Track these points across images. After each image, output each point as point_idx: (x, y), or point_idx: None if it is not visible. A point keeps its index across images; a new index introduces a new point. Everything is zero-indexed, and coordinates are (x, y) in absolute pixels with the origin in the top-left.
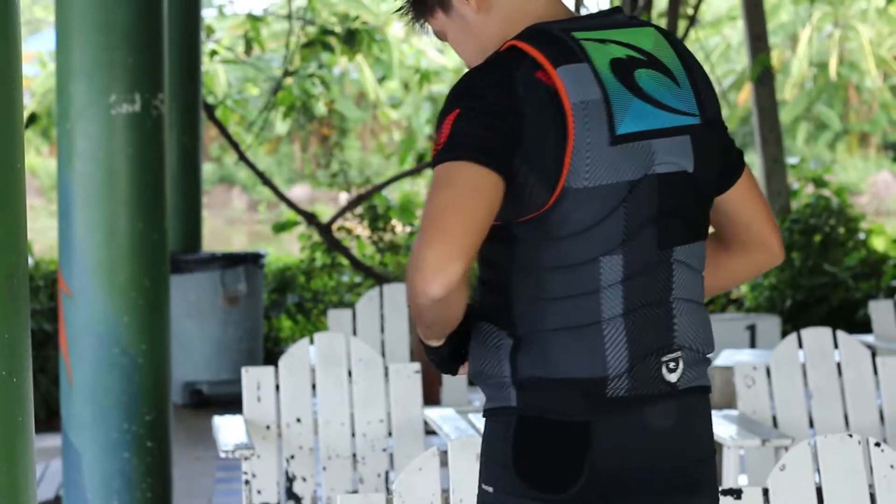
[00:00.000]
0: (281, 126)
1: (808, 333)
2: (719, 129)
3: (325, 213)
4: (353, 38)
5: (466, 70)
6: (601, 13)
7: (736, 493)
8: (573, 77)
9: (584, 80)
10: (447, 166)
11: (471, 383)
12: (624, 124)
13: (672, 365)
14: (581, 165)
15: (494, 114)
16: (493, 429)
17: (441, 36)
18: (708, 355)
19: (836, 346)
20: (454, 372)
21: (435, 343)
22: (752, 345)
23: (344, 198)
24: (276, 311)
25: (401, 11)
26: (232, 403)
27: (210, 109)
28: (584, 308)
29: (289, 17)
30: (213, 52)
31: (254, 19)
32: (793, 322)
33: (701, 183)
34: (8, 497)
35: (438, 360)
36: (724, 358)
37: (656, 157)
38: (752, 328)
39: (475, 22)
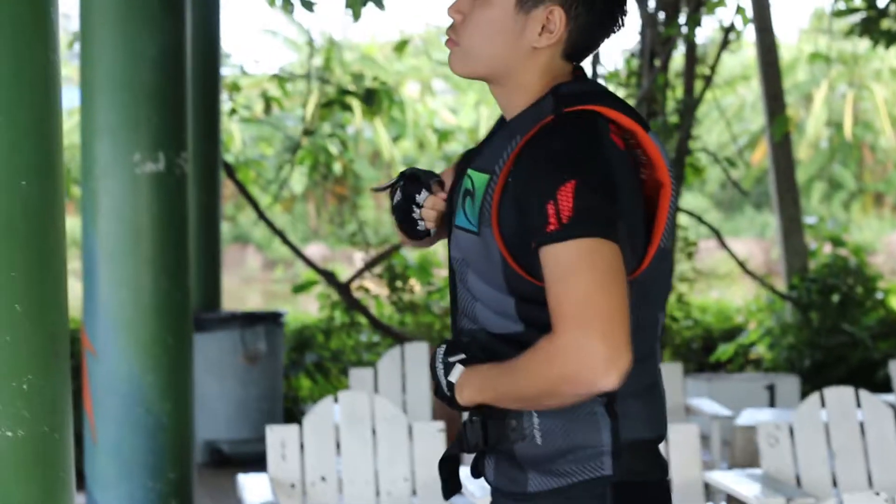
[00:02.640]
0: (297, 185)
1: (831, 393)
2: None
3: (340, 272)
4: (372, 99)
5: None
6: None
7: None
8: (658, 141)
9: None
10: (582, 244)
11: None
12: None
13: None
14: (666, 226)
15: (607, 184)
16: None
17: (462, 8)
18: None
19: (858, 405)
20: None
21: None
22: (772, 404)
23: (359, 257)
24: (295, 370)
25: None
26: (252, 462)
27: (229, 168)
28: (650, 369)
29: (307, 76)
30: (233, 111)
31: (280, 79)
32: (812, 382)
33: None
34: None
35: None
36: (745, 417)
37: None
38: (771, 388)
39: (521, 46)
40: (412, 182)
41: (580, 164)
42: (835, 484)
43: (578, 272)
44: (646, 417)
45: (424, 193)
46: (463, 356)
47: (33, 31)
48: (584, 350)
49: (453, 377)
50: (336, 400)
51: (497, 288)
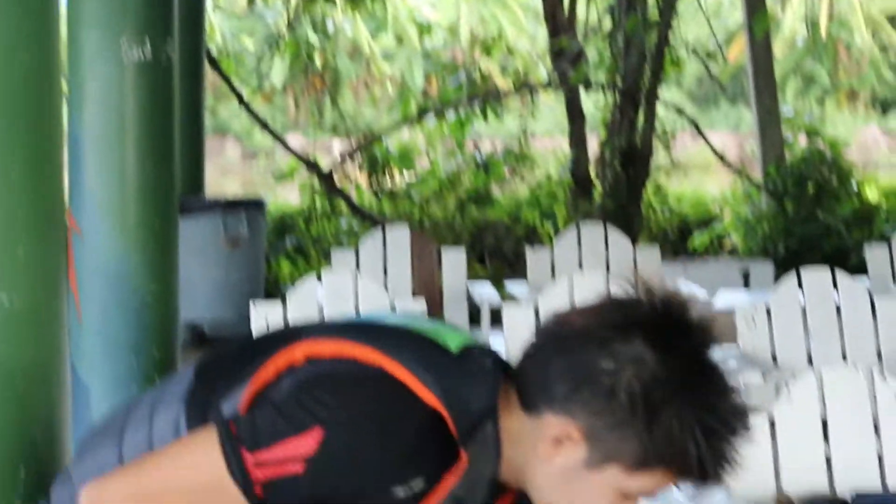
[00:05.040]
0: (276, 77)
1: (808, 275)
2: None
3: (319, 161)
4: None
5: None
6: None
7: None
8: None
9: None
10: None
11: None
12: None
13: None
14: None
15: None
16: None
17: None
18: None
19: (835, 286)
20: None
21: None
22: (747, 288)
23: (337, 147)
24: (275, 253)
25: None
26: None
27: (213, 59)
28: None
29: None
30: (216, 6)
31: None
32: (786, 268)
33: None
34: (46, 428)
35: None
36: (721, 299)
37: None
38: (746, 273)
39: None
40: None
41: None
42: (810, 362)
43: None
44: None
45: None
46: None
47: None
48: None
49: None
50: (319, 279)
51: None
